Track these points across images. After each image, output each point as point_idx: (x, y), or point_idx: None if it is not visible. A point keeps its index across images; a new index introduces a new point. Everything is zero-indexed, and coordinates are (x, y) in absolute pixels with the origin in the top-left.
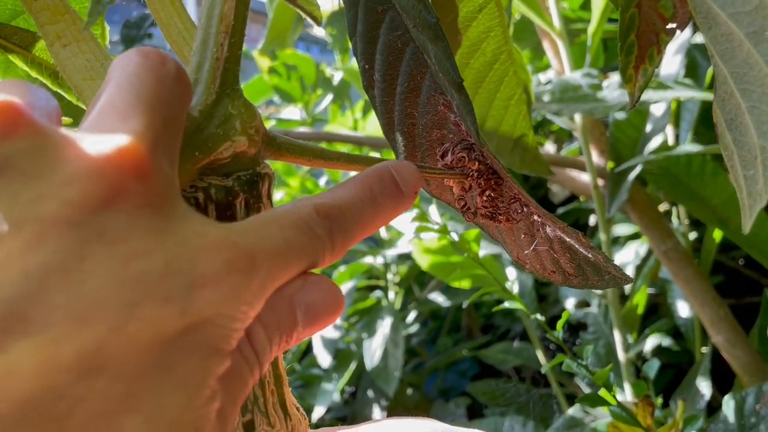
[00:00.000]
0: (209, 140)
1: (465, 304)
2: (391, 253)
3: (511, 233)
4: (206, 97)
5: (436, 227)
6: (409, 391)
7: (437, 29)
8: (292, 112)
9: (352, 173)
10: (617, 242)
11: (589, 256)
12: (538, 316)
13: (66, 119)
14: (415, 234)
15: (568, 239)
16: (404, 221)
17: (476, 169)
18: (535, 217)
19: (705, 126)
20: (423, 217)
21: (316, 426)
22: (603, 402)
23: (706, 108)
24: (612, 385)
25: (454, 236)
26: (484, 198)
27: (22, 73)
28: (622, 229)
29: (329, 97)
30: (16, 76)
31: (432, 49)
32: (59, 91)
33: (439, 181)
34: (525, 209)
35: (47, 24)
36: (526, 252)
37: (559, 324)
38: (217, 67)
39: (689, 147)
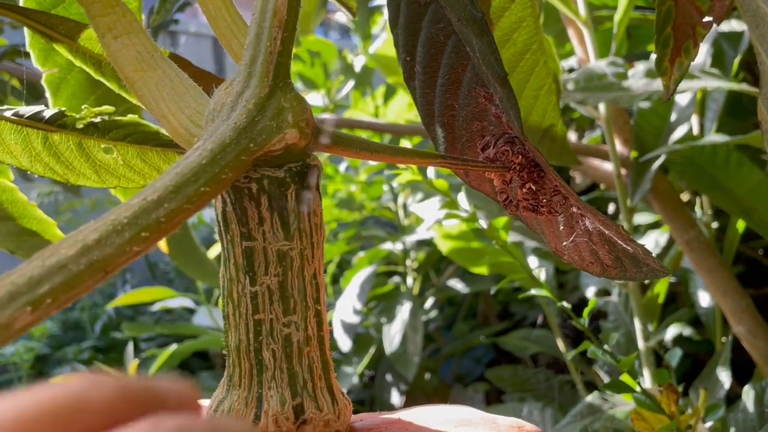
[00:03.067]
0: (263, 132)
1: (493, 290)
2: (410, 239)
3: (550, 225)
4: (260, 90)
5: (464, 215)
6: (427, 375)
7: (482, 23)
8: (315, 99)
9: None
10: (637, 231)
11: (628, 248)
12: (565, 304)
13: (108, 108)
14: (438, 221)
15: (607, 231)
16: (428, 208)
17: (519, 163)
18: (575, 209)
19: (730, 116)
20: (452, 204)
21: None
22: (627, 389)
23: (731, 98)
24: (636, 372)
25: (483, 224)
26: (526, 191)
27: (63, 60)
28: (642, 218)
29: (351, 83)
30: (55, 64)
31: (476, 43)
32: (101, 79)
33: (479, 173)
34: (565, 201)
35: (99, 16)
36: (564, 243)
37: (586, 311)
38: (271, 60)
39: (716, 137)
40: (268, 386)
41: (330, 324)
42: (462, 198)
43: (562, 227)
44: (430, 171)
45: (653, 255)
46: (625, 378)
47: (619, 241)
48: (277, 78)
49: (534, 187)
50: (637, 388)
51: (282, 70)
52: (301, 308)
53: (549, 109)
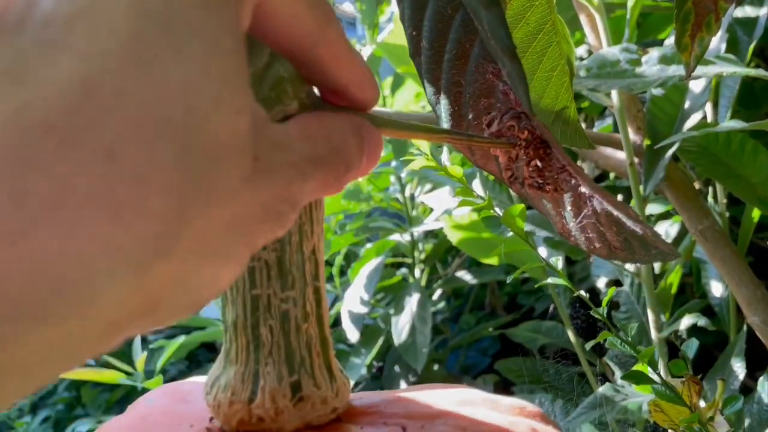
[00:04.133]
0: (262, 104)
1: (509, 279)
2: (418, 230)
3: (556, 205)
4: (258, 59)
5: (479, 202)
6: (435, 366)
7: None
8: None
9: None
10: (648, 221)
11: (637, 230)
12: (582, 293)
13: None
14: (447, 212)
15: (615, 212)
16: (438, 198)
17: (525, 138)
18: (583, 189)
19: (744, 104)
20: (467, 191)
21: None
22: (647, 379)
23: (746, 85)
24: (656, 362)
25: (498, 211)
26: (531, 168)
27: None
28: (653, 208)
29: None
30: None
31: (485, 15)
32: None
33: (485, 150)
34: (573, 181)
35: None
36: (571, 224)
37: (605, 300)
38: None
39: (732, 123)
40: (265, 362)
41: (337, 315)
42: (477, 185)
43: (569, 207)
44: (444, 158)
45: (660, 236)
46: (644, 369)
47: (628, 223)
48: None
49: (540, 164)
50: (657, 379)
51: None
52: (300, 284)
53: (562, 91)
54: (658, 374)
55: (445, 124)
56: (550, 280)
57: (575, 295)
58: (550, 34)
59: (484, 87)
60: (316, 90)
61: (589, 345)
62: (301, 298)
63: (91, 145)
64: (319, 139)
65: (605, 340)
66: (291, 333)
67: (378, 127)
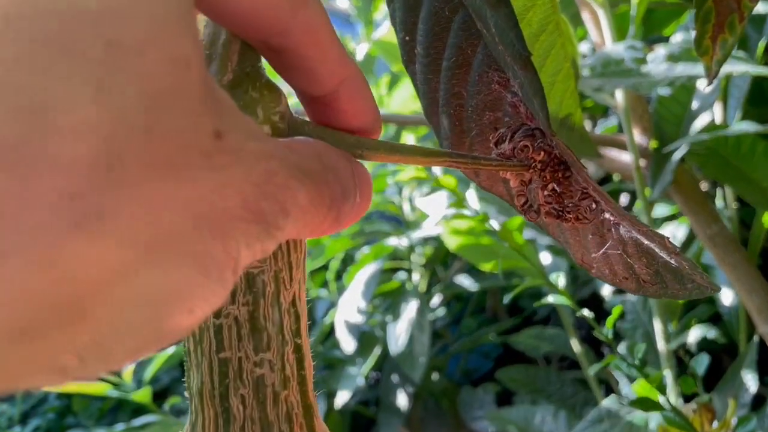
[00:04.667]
0: None
1: (506, 300)
2: (416, 235)
3: (576, 232)
4: (221, 76)
5: (473, 215)
6: (435, 375)
7: None
8: None
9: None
10: (654, 224)
11: (671, 261)
12: (585, 312)
13: None
14: (443, 219)
15: (646, 242)
16: (433, 203)
17: (540, 160)
18: (607, 216)
19: (754, 104)
20: (460, 203)
21: (341, 411)
22: (655, 406)
23: (756, 84)
24: (665, 387)
25: (495, 225)
26: (548, 193)
27: None
28: (658, 211)
29: None
30: None
31: (492, 17)
32: None
33: (492, 172)
34: (596, 206)
35: None
36: (594, 255)
37: (610, 321)
38: (234, 40)
39: (744, 126)
40: None
41: (332, 322)
42: (471, 195)
43: (590, 236)
44: (436, 168)
45: (699, 268)
46: (651, 394)
47: (661, 254)
48: (244, 62)
49: (558, 189)
50: (667, 406)
51: (249, 52)
52: (277, 343)
53: (567, 96)
54: (667, 399)
55: (445, 142)
56: (551, 299)
57: (576, 303)
58: (553, 34)
59: (489, 99)
60: (298, 113)
61: (593, 370)
62: (278, 361)
63: None
64: (305, 152)
65: (608, 346)
66: (268, 403)
67: (365, 151)
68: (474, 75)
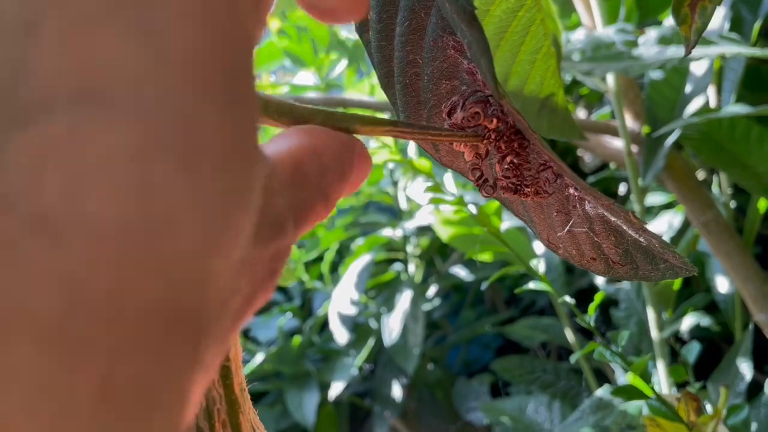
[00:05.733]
0: None
1: (484, 286)
2: (409, 225)
3: (540, 210)
4: None
5: (450, 199)
6: (430, 366)
7: None
8: (305, 78)
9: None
10: (650, 212)
11: (641, 240)
12: (567, 299)
13: None
14: (430, 205)
15: (613, 219)
16: (417, 190)
17: (494, 129)
18: (572, 191)
19: (749, 88)
20: (437, 187)
21: (336, 402)
22: (640, 395)
23: (751, 67)
24: (650, 375)
25: (472, 209)
26: (506, 166)
27: None
28: (654, 199)
29: (344, 62)
30: None
31: None
32: None
33: (450, 145)
34: (558, 180)
35: None
36: (559, 234)
37: (591, 308)
38: None
39: (737, 108)
40: None
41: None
42: (449, 179)
43: (555, 213)
44: (411, 149)
45: (672, 247)
46: (637, 382)
47: (630, 231)
48: None
49: (516, 161)
50: (652, 395)
51: None
52: None
53: (548, 75)
54: (651, 388)
55: (401, 115)
56: (531, 285)
57: (573, 294)
58: (532, 10)
59: (445, 66)
60: None
61: (574, 357)
62: None
63: None
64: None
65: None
66: None
67: (298, 118)
68: (429, 40)
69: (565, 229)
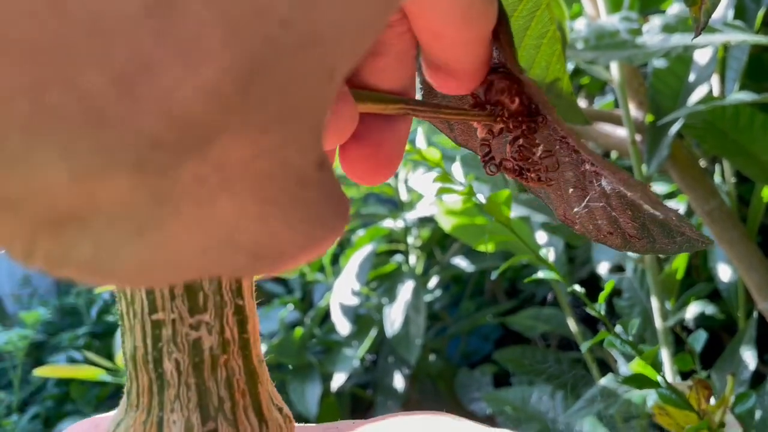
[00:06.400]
0: None
1: (494, 275)
2: (410, 216)
3: (557, 186)
4: None
5: (460, 188)
6: (432, 357)
7: None
8: None
9: None
10: None
11: (657, 213)
12: (577, 288)
13: None
14: (436, 196)
15: (630, 193)
16: (426, 182)
17: (512, 109)
18: (588, 166)
19: (752, 77)
20: (445, 177)
21: (338, 393)
22: (649, 383)
23: (755, 55)
24: (660, 364)
25: (481, 198)
26: (515, 147)
27: None
28: (658, 188)
29: None
30: None
31: None
32: None
33: (464, 124)
34: (574, 155)
35: None
36: (576, 210)
37: (602, 296)
38: None
39: (740, 96)
40: (171, 408)
41: (328, 305)
42: (457, 168)
43: (571, 189)
44: (419, 139)
45: (688, 220)
46: (646, 371)
47: (646, 206)
48: None
49: (525, 144)
50: (662, 383)
51: None
52: (215, 304)
53: (553, 60)
54: (662, 376)
55: (420, 92)
56: (540, 275)
57: (574, 284)
58: None
59: None
60: None
61: (584, 347)
62: (217, 323)
63: None
64: None
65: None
66: (205, 368)
67: None
68: None
69: (582, 204)
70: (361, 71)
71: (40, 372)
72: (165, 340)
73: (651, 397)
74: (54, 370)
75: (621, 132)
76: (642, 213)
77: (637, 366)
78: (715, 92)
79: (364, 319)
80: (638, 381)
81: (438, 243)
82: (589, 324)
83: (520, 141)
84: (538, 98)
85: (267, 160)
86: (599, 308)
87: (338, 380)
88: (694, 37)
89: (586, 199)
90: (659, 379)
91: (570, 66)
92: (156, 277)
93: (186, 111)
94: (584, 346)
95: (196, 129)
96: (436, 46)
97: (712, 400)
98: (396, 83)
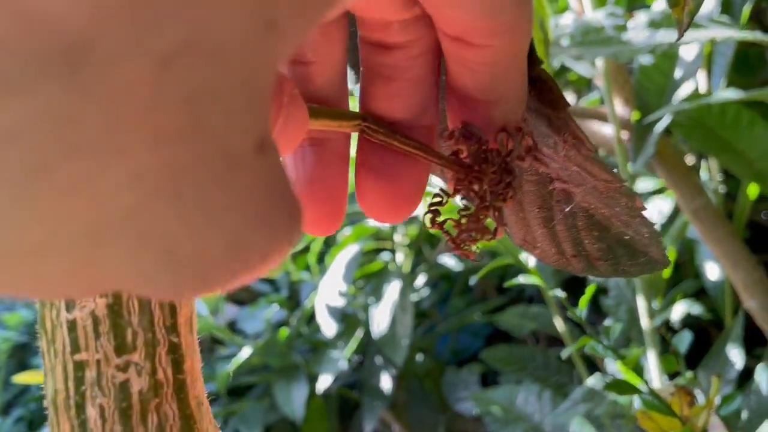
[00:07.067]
0: None
1: (473, 281)
2: None
3: (518, 208)
4: None
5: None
6: (420, 357)
7: None
8: None
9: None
10: None
11: (628, 232)
12: (558, 293)
13: None
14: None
15: (603, 210)
16: None
17: (468, 167)
18: (557, 184)
19: (739, 72)
20: None
21: (325, 395)
22: (632, 389)
23: (741, 51)
24: (642, 368)
25: (459, 202)
26: (466, 214)
27: None
28: (644, 185)
29: None
30: None
31: None
32: None
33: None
34: (543, 172)
35: None
36: (538, 232)
37: (583, 301)
38: None
39: (726, 93)
40: None
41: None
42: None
43: (537, 209)
44: None
45: (660, 236)
46: (629, 376)
47: (617, 223)
48: None
49: (474, 217)
50: (644, 389)
51: None
52: (145, 341)
53: None
54: (645, 381)
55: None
56: (521, 279)
57: (561, 282)
58: None
59: None
60: None
61: (565, 353)
62: (147, 363)
63: None
64: None
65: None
66: (133, 415)
67: None
68: None
69: (547, 227)
70: (370, 95)
71: (20, 379)
72: (88, 383)
73: (637, 398)
74: (35, 376)
75: (607, 129)
76: (609, 234)
77: (620, 370)
78: (702, 88)
79: (350, 318)
80: (620, 387)
81: (426, 241)
82: (577, 322)
83: (472, 212)
84: (551, 93)
85: (179, 119)
86: (580, 313)
87: (324, 382)
88: (678, 39)
89: (553, 220)
90: (641, 385)
91: (556, 63)
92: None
93: (45, 8)
94: (565, 352)
95: (63, 36)
96: (461, 53)
97: (701, 399)
98: (408, 112)
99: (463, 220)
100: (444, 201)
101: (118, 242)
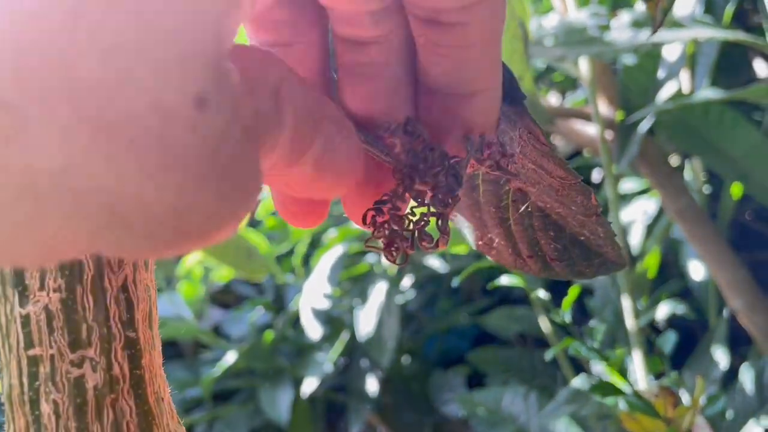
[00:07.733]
0: None
1: (455, 283)
2: None
3: (475, 208)
4: None
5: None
6: (406, 359)
7: None
8: None
9: None
10: (624, 199)
11: (584, 231)
12: (541, 294)
13: None
14: None
15: (558, 209)
16: None
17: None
18: (514, 183)
19: (722, 72)
20: None
21: (311, 398)
22: (617, 391)
23: (724, 51)
24: (626, 370)
25: None
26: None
27: None
28: (628, 185)
29: None
30: None
31: None
32: None
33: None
34: (498, 171)
35: None
36: (496, 231)
37: (566, 303)
38: None
39: (709, 92)
40: None
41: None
42: None
43: (493, 209)
44: None
45: (615, 235)
46: (614, 377)
47: (572, 223)
48: None
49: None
50: (628, 390)
51: None
52: (101, 336)
53: (515, 58)
54: (629, 383)
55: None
56: (504, 281)
57: (546, 283)
58: None
59: None
60: None
61: (549, 354)
62: (103, 358)
63: None
64: None
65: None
66: (88, 411)
67: None
68: None
69: (502, 227)
70: (346, 97)
71: None
72: (42, 378)
73: (622, 401)
74: None
75: (591, 129)
76: (565, 234)
77: (604, 371)
78: (686, 88)
79: (336, 321)
80: (604, 389)
81: None
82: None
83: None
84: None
85: (98, 72)
86: (563, 315)
87: (310, 385)
88: (651, 35)
89: (509, 220)
90: (625, 387)
91: (541, 63)
92: None
93: None
94: (549, 353)
95: None
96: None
97: (686, 399)
98: (384, 114)
99: (402, 224)
100: (389, 201)
101: (56, 199)
